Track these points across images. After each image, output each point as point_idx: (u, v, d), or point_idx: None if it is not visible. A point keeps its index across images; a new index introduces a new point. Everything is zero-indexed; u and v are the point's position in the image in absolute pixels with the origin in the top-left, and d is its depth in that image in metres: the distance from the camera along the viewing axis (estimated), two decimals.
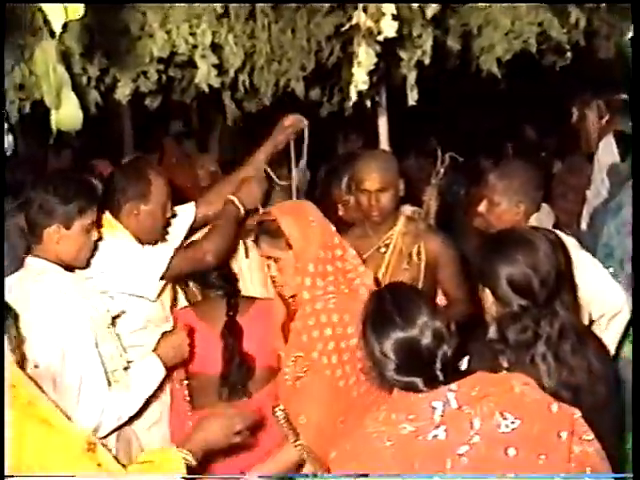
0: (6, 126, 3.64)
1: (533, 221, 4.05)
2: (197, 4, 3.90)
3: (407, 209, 4.29)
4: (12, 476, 2.47)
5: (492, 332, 2.95)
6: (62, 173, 4.01)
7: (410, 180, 4.32)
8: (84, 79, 4.14)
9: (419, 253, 4.12)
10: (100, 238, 3.52)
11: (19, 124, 4.08)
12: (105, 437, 3.25)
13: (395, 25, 2.75)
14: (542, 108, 9.75)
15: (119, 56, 3.95)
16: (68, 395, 3.14)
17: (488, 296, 2.96)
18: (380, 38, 2.79)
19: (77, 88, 4.20)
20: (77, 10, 1.73)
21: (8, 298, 3.18)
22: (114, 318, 3.50)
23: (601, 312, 3.84)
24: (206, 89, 4.18)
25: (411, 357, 2.46)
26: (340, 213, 4.84)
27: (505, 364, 2.74)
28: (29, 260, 3.35)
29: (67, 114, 2.85)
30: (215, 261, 3.83)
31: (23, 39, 3.52)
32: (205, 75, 4.09)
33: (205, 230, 4.08)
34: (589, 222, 5.13)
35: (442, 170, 4.63)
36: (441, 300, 4.39)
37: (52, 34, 1.95)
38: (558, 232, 4.07)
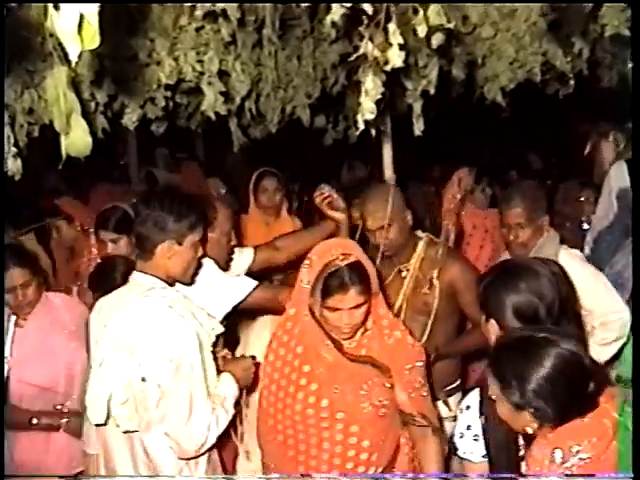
0: (15, 150, 3.65)
1: (545, 243, 4.14)
2: (205, 32, 3.94)
3: (421, 234, 4.31)
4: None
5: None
6: (174, 189, 4.04)
7: (416, 208, 4.33)
8: (92, 105, 4.16)
9: (438, 278, 4.13)
10: (204, 255, 3.55)
11: (27, 148, 4.09)
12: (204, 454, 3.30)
13: (402, 55, 2.77)
14: (546, 136, 9.81)
15: (127, 82, 3.99)
16: (178, 410, 3.15)
17: (494, 327, 2.94)
18: (387, 68, 2.81)
19: (86, 114, 4.28)
20: (94, 40, 1.75)
21: (114, 313, 3.30)
22: (217, 336, 3.48)
23: (602, 319, 4.01)
24: (213, 116, 4.21)
25: None
26: None
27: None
28: (136, 276, 3.34)
29: (76, 140, 2.86)
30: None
31: (33, 65, 3.56)
32: (212, 102, 4.13)
33: None
34: (593, 247, 5.16)
35: (458, 196, 4.64)
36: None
37: (67, 61, 1.97)
38: (564, 246, 4.19)
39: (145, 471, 3.31)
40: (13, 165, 3.60)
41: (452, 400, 4.27)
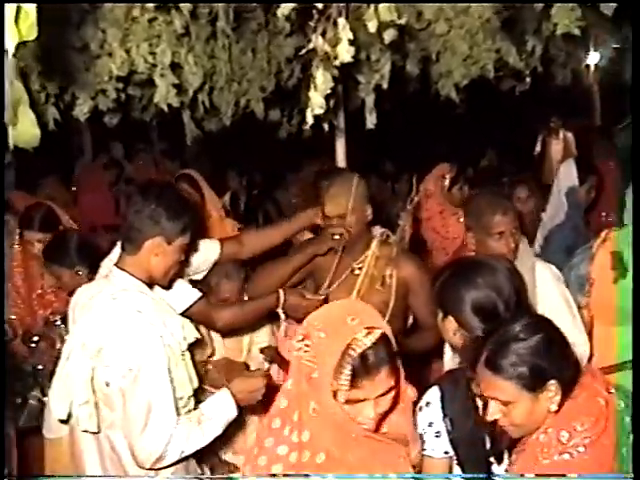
0: None
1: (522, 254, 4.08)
2: (157, 24, 3.91)
3: (377, 230, 4.27)
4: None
5: (454, 360, 2.92)
6: (174, 187, 3.96)
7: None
8: (42, 96, 4.12)
9: (391, 277, 4.11)
10: (185, 260, 3.46)
11: None
12: (165, 468, 3.15)
13: (352, 50, 2.77)
14: (502, 133, 9.88)
15: (78, 74, 3.95)
16: (135, 419, 3.06)
17: (451, 324, 2.91)
18: (337, 63, 2.82)
19: (35, 105, 4.24)
20: (31, 31, 1.72)
21: (84, 311, 3.23)
22: (190, 345, 3.37)
23: None
24: (165, 108, 4.19)
25: None
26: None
27: (477, 391, 2.68)
28: (115, 272, 3.25)
29: (24, 131, 2.82)
30: (223, 331, 3.87)
31: None
32: (164, 94, 4.10)
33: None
34: (543, 244, 5.18)
35: (417, 198, 4.63)
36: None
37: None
38: (539, 259, 4.12)
39: (112, 466, 3.25)
40: None
41: None
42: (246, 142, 8.01)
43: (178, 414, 3.14)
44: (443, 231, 5.90)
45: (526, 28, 4.62)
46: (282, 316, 3.76)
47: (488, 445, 2.68)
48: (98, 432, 3.20)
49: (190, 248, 3.45)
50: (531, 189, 5.80)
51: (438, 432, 2.77)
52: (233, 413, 3.22)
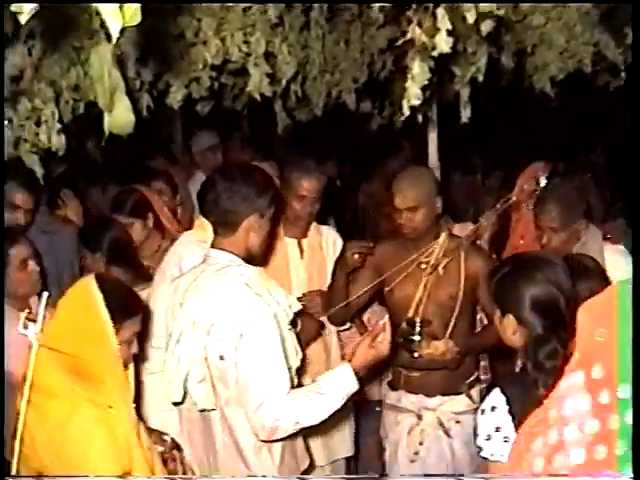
0: (59, 126, 3.66)
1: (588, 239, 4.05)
2: (252, 13, 3.91)
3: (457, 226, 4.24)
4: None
5: (521, 361, 2.87)
6: (251, 166, 4.06)
7: (453, 196, 4.26)
8: (137, 83, 4.16)
9: (460, 270, 4.06)
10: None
11: (73, 124, 4.09)
12: (280, 440, 3.25)
13: (450, 41, 2.74)
14: (595, 128, 9.65)
15: (173, 62, 3.97)
16: (249, 389, 3.13)
17: (511, 323, 2.85)
18: (434, 53, 2.78)
19: (130, 92, 4.28)
20: (135, 16, 1.74)
21: (190, 291, 3.30)
22: (296, 315, 3.46)
23: None
24: (258, 97, 4.19)
25: None
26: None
27: (542, 391, 2.61)
28: (212, 253, 3.36)
29: (119, 117, 2.86)
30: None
31: (80, 41, 3.55)
32: (257, 83, 4.10)
33: None
34: None
35: (514, 198, 4.56)
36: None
37: (109, 38, 1.96)
38: (607, 242, 4.07)
39: (223, 451, 3.32)
40: (57, 141, 3.62)
41: (474, 393, 4.22)
42: (336, 133, 7.99)
43: (292, 385, 3.20)
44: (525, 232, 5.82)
45: (626, 21, 4.49)
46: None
47: None
48: (213, 409, 3.28)
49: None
50: None
51: (506, 437, 2.71)
52: (353, 387, 3.22)
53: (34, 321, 2.75)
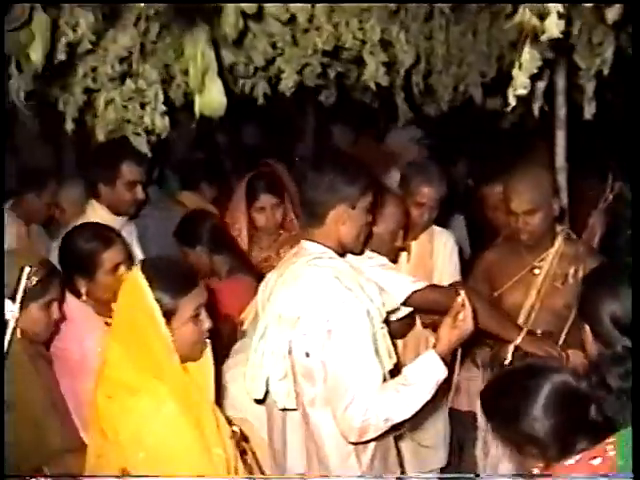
0: (164, 108, 3.63)
1: None
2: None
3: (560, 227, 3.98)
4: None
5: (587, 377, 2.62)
6: (342, 151, 3.95)
7: (577, 200, 4.01)
8: (250, 69, 4.09)
9: (575, 275, 3.80)
10: (373, 222, 3.36)
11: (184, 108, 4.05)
12: (369, 441, 3.07)
13: (561, 24, 2.50)
14: None
15: (284, 46, 3.88)
16: (339, 389, 2.95)
17: (587, 334, 2.63)
18: (544, 38, 2.55)
19: (244, 77, 4.21)
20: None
21: (278, 283, 3.18)
22: (389, 313, 3.29)
23: None
24: (374, 87, 4.05)
25: None
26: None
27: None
28: (304, 244, 3.19)
29: (211, 99, 2.78)
30: None
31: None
32: (373, 72, 3.96)
33: None
34: None
35: (611, 196, 4.28)
36: None
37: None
38: None
39: (298, 453, 3.17)
40: (160, 123, 3.59)
41: None
42: (466, 130, 7.74)
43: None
44: None
45: None
46: None
47: None
48: (294, 409, 3.11)
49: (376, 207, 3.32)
50: None
51: None
52: (442, 373, 3.01)
53: (12, 299, 2.70)
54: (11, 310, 2.72)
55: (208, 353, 2.87)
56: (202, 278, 3.10)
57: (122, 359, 2.68)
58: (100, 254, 3.52)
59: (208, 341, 2.86)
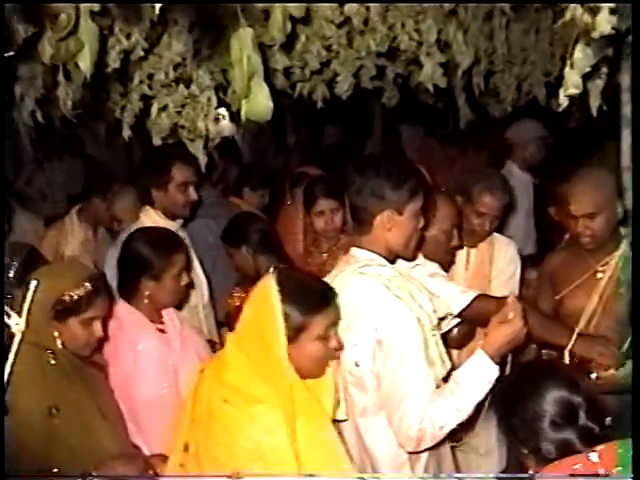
0: (226, 113, 3.63)
1: None
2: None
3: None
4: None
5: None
6: (389, 154, 3.90)
7: None
8: (307, 72, 4.06)
9: None
10: (426, 226, 3.29)
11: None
12: (423, 450, 3.02)
13: (613, 20, 2.41)
14: None
15: (339, 49, 3.85)
16: (391, 398, 2.92)
17: None
18: (595, 35, 2.47)
19: (301, 81, 4.19)
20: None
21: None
22: (440, 320, 3.23)
23: None
24: (431, 89, 3.99)
25: None
26: None
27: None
28: (353, 251, 3.13)
29: (257, 104, 2.75)
30: None
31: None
32: (430, 74, 3.90)
33: None
34: None
35: None
36: None
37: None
38: None
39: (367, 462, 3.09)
40: (213, 128, 3.59)
41: None
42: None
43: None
44: None
45: None
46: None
47: None
48: (345, 420, 3.04)
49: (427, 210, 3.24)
50: None
51: None
52: (493, 373, 2.91)
53: (19, 313, 2.68)
54: (17, 323, 2.70)
55: (330, 371, 2.83)
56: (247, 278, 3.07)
57: (244, 367, 2.65)
58: (169, 258, 3.54)
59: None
